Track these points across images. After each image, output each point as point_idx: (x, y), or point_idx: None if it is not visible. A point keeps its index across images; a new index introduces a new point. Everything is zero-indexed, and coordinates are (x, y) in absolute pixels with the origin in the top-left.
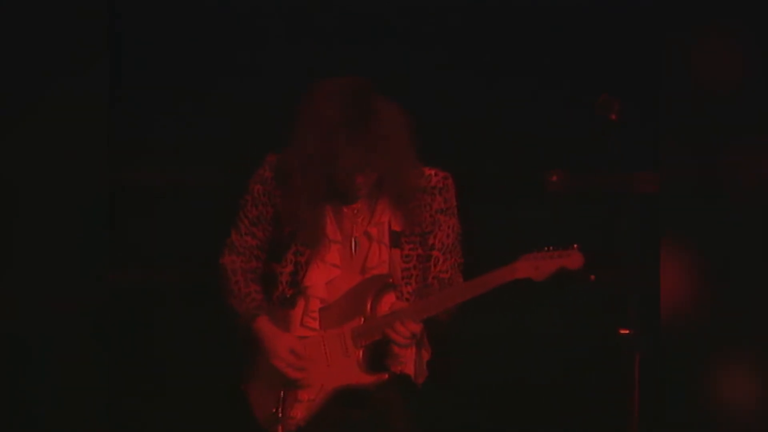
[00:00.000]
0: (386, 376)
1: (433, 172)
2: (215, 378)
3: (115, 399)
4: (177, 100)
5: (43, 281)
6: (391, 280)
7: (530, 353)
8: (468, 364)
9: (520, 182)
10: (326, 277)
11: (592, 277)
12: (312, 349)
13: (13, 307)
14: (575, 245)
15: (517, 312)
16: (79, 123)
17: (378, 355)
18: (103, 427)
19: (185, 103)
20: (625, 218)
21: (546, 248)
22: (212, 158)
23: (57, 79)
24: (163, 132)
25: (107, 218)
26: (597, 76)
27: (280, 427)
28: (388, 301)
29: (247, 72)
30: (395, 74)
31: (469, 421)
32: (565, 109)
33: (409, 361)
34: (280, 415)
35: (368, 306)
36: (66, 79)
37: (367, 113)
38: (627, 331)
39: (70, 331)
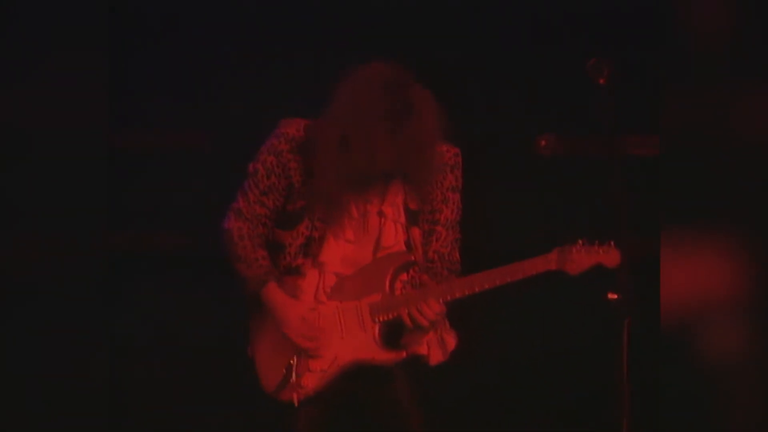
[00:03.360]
0: (404, 354)
1: (445, 149)
2: (219, 343)
3: (115, 364)
4: (178, 61)
5: (41, 242)
6: (413, 258)
7: (521, 321)
8: (463, 339)
9: (510, 149)
10: (341, 252)
11: (581, 241)
12: (325, 319)
13: (10, 269)
14: (611, 242)
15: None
16: (78, 84)
17: (394, 332)
18: (103, 391)
19: (187, 63)
20: (614, 183)
21: (580, 242)
22: (213, 120)
23: (56, 39)
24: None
25: (106, 179)
26: (590, 36)
27: (294, 395)
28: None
29: (248, 35)
30: (379, 41)
31: (472, 397)
32: (555, 73)
33: (423, 342)
34: (292, 381)
35: (387, 283)
36: (66, 39)
37: (409, 107)
38: (616, 296)
39: (67, 292)
